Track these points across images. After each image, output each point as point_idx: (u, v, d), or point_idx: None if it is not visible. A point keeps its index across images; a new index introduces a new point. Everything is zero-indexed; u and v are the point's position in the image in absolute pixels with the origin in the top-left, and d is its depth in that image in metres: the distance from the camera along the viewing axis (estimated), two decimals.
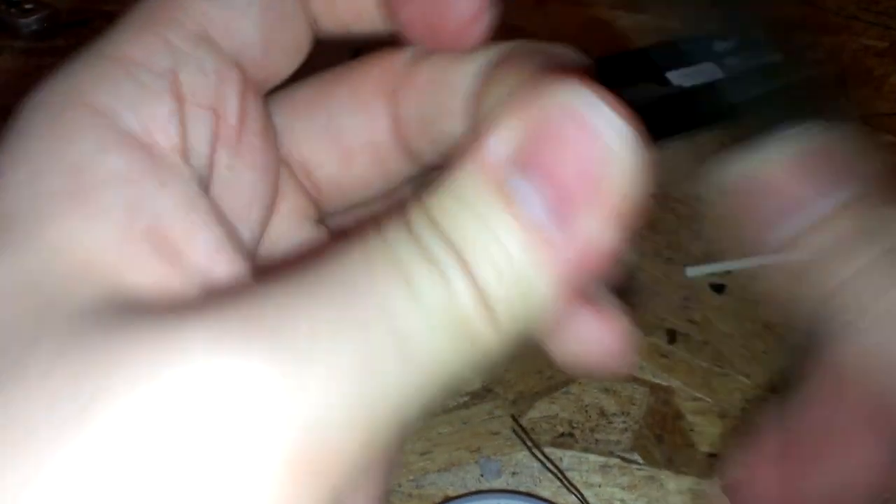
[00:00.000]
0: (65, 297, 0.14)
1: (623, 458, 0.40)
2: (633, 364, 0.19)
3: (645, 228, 0.49)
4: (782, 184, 0.20)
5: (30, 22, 0.61)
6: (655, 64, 0.54)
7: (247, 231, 0.19)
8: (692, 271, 0.47)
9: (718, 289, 0.46)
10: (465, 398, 0.42)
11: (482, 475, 0.40)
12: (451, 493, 0.39)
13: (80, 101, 0.16)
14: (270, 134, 0.20)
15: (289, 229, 0.20)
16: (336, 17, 0.20)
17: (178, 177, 0.16)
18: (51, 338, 0.13)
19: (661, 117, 0.52)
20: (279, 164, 0.20)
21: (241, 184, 0.19)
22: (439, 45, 0.19)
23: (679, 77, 0.53)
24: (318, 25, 0.20)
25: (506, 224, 0.15)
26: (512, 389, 0.43)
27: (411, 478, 0.40)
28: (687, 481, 0.39)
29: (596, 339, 0.18)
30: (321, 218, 0.21)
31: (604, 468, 0.40)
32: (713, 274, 0.47)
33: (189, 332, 0.13)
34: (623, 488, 0.39)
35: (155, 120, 0.16)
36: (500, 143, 0.15)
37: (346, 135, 0.21)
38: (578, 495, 0.39)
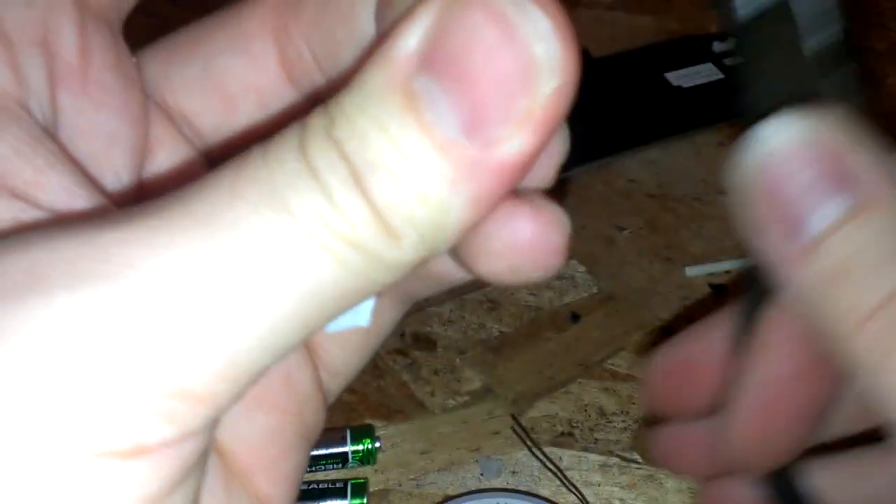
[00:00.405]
0: None
1: (622, 458, 0.40)
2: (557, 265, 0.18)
3: (644, 228, 0.49)
4: (789, 179, 0.17)
5: None
6: (655, 64, 0.54)
7: (110, 174, 0.17)
8: (691, 271, 0.47)
9: (718, 289, 0.47)
10: (466, 398, 0.42)
11: (482, 474, 0.40)
12: (451, 492, 0.39)
13: None
14: (127, 70, 0.18)
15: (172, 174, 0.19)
16: None
17: (15, 122, 0.15)
18: None
19: (660, 117, 0.52)
20: (145, 105, 0.18)
21: (93, 125, 0.17)
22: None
23: (678, 77, 0.53)
24: None
25: (408, 129, 0.13)
26: (512, 389, 0.43)
27: (411, 477, 0.40)
28: (686, 480, 0.40)
29: (530, 239, 0.16)
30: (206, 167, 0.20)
31: (603, 467, 0.40)
32: (713, 274, 0.47)
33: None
34: (622, 487, 0.39)
35: None
36: (409, 37, 0.14)
37: (228, 80, 0.19)
38: (578, 494, 0.39)
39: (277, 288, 0.13)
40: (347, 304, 0.14)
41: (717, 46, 0.54)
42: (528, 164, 0.14)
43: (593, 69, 0.53)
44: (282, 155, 0.14)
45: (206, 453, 0.15)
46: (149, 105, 0.19)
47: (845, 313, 0.16)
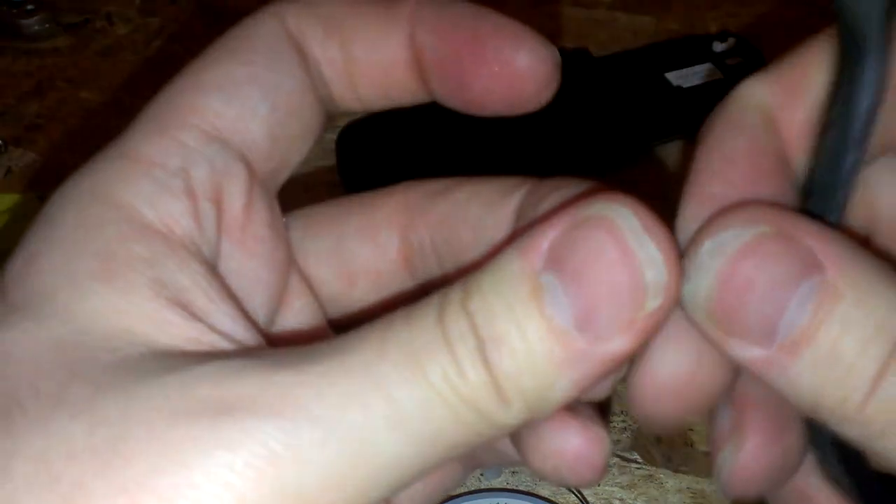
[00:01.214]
0: (106, 352, 0.16)
1: (622, 458, 0.40)
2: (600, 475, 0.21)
3: None
4: (746, 290, 0.16)
5: (31, 23, 0.61)
6: (655, 64, 0.54)
7: (252, 313, 0.20)
8: None
9: None
10: None
11: (482, 474, 0.40)
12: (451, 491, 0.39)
13: (103, 197, 0.18)
14: (278, 228, 0.21)
15: (299, 324, 0.22)
16: (359, 99, 0.21)
17: (193, 260, 0.18)
18: (87, 382, 0.16)
19: (659, 118, 0.52)
20: (289, 260, 0.22)
21: (244, 269, 0.20)
22: (512, 111, 0.20)
23: (678, 78, 0.53)
24: (335, 106, 0.21)
25: (531, 316, 0.16)
26: None
27: None
28: (686, 480, 0.39)
29: (575, 451, 0.19)
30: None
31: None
32: None
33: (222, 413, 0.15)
34: (622, 487, 0.39)
35: (170, 214, 0.18)
36: (542, 238, 0.16)
37: (353, 260, 0.22)
38: (578, 494, 0.39)
39: (408, 436, 0.16)
40: (457, 452, 0.16)
41: (718, 46, 0.54)
42: (625, 360, 0.16)
43: (593, 69, 0.53)
44: (422, 322, 0.16)
45: None
46: (291, 263, 0.22)
47: (843, 400, 0.16)
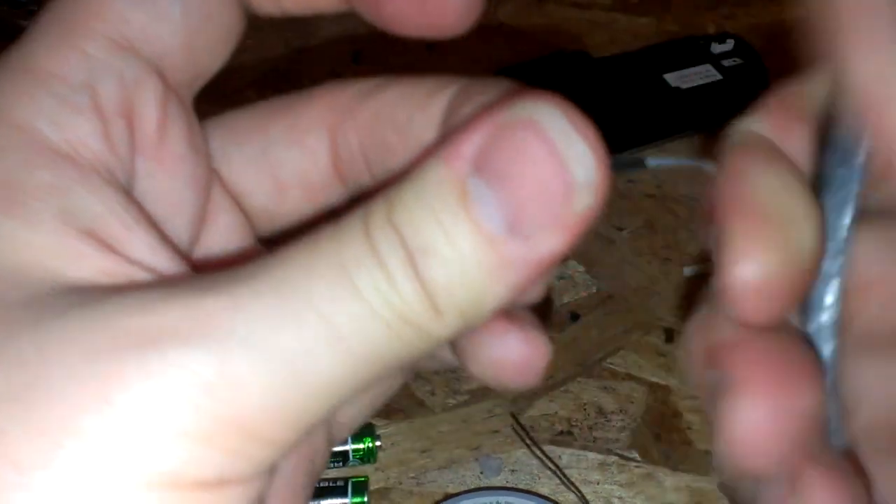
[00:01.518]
0: (13, 289, 0.15)
1: (621, 456, 0.40)
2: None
3: (643, 228, 0.50)
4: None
5: (31, 22, 0.61)
6: (653, 65, 0.54)
7: (174, 236, 0.19)
8: (690, 271, 0.47)
9: None
10: (466, 397, 0.42)
11: (482, 472, 0.40)
12: (451, 490, 0.39)
13: (2, 121, 0.17)
14: (198, 143, 0.20)
15: (226, 242, 0.21)
16: (277, 2, 0.20)
17: (105, 184, 0.17)
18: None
19: (658, 119, 0.52)
20: (210, 175, 0.20)
21: (163, 190, 0.19)
22: (428, 32, 0.19)
23: (677, 79, 0.53)
24: (253, 7, 0.20)
25: (459, 222, 0.15)
26: (511, 388, 0.43)
27: (412, 475, 0.40)
28: (685, 478, 0.40)
29: (516, 358, 0.19)
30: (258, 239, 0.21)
31: (602, 466, 0.40)
32: None
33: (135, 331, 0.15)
34: (621, 486, 0.40)
35: (77, 134, 0.17)
36: (467, 143, 0.16)
37: (281, 167, 0.21)
38: (577, 493, 0.39)
39: (342, 352, 0.15)
40: (393, 367, 0.16)
41: (716, 48, 0.54)
42: (557, 260, 0.16)
43: (592, 70, 0.53)
44: (349, 236, 0.16)
45: (264, 495, 0.17)
46: (213, 176, 0.20)
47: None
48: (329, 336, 0.15)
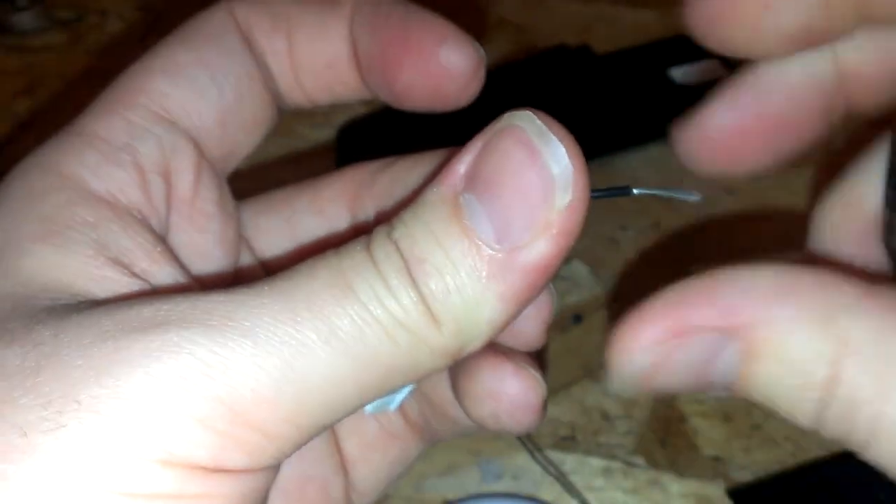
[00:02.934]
0: (45, 299, 0.17)
1: (626, 462, 0.40)
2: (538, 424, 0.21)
3: (648, 228, 0.49)
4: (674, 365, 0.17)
5: (23, 18, 0.61)
6: (658, 61, 0.53)
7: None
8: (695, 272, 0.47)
9: None
10: None
11: (483, 478, 0.39)
12: (450, 496, 0.39)
13: (50, 170, 0.19)
14: (228, 208, 0.22)
15: None
16: (305, 93, 0.22)
17: (136, 224, 0.19)
18: (24, 318, 0.16)
19: (663, 114, 0.52)
20: (238, 238, 0.23)
21: (194, 245, 0.21)
22: (437, 106, 0.21)
23: (682, 74, 0.52)
24: (283, 101, 0.22)
25: (451, 234, 0.16)
26: None
27: (411, 481, 0.40)
28: (690, 485, 0.39)
29: (510, 392, 0.20)
30: None
31: (606, 471, 0.40)
32: None
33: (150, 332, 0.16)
34: (625, 492, 0.39)
35: (116, 184, 0.19)
36: (458, 162, 0.17)
37: (304, 233, 0.23)
38: (581, 499, 0.39)
39: (339, 352, 0.16)
40: (397, 380, 0.17)
41: None
42: (548, 269, 0.17)
43: (596, 66, 0.53)
44: (350, 250, 0.17)
45: (266, 497, 0.17)
46: (241, 242, 0.23)
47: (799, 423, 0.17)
48: (326, 334, 0.16)
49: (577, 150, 0.17)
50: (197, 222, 0.21)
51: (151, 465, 0.15)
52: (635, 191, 0.20)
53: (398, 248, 0.16)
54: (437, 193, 0.17)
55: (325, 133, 0.52)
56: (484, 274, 0.16)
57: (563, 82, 0.52)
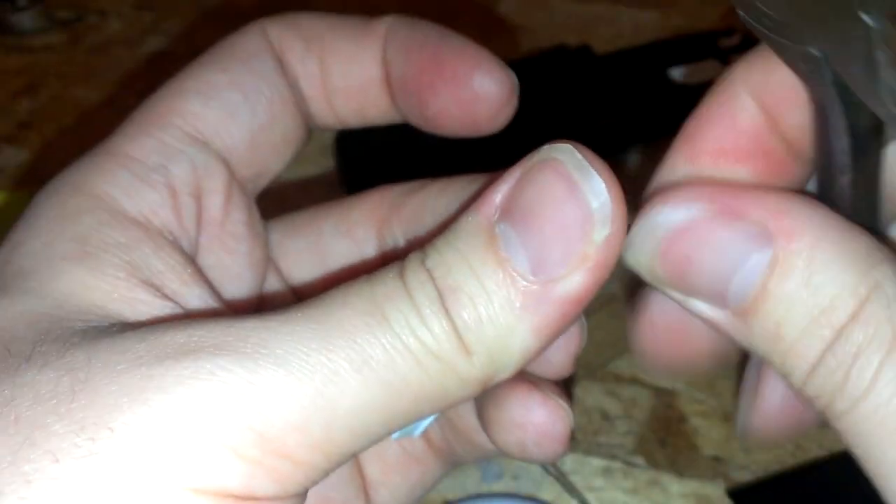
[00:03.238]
0: (78, 321, 0.17)
1: (626, 462, 0.40)
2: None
3: None
4: (701, 250, 0.18)
5: (23, 18, 0.61)
6: (659, 60, 0.53)
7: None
8: None
9: None
10: None
11: (483, 478, 0.39)
12: (450, 496, 0.39)
13: (83, 190, 0.19)
14: (257, 229, 0.22)
15: None
16: (336, 115, 0.22)
17: (168, 246, 0.19)
18: (57, 342, 0.16)
19: (664, 114, 0.52)
20: (267, 260, 0.23)
21: (223, 266, 0.21)
22: (469, 132, 0.21)
23: (682, 74, 0.52)
24: (314, 122, 0.22)
25: (486, 264, 0.16)
26: None
27: None
28: (690, 485, 0.39)
29: (537, 422, 0.20)
30: None
31: (606, 471, 0.40)
32: None
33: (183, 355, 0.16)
34: (626, 492, 0.39)
35: (148, 205, 0.19)
36: (495, 192, 0.17)
37: (331, 256, 0.23)
38: (581, 499, 0.39)
39: (370, 379, 0.16)
40: (425, 408, 0.17)
41: (723, 42, 0.53)
42: (583, 302, 0.17)
43: (596, 66, 0.53)
44: (383, 278, 0.17)
45: None
46: (269, 263, 0.23)
47: (787, 374, 0.17)
48: (359, 363, 0.16)
49: (615, 183, 0.17)
50: (227, 244, 0.21)
51: (183, 492, 0.15)
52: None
53: (432, 277, 0.16)
54: (472, 223, 0.17)
55: (324, 134, 0.52)
56: (518, 305, 0.16)
57: (563, 82, 0.51)
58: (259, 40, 0.22)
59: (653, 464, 0.40)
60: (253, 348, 0.16)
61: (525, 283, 0.16)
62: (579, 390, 0.42)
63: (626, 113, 0.51)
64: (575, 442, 0.41)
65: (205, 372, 0.15)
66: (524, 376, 0.20)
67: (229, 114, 0.21)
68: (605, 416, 0.42)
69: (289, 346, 0.16)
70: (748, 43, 0.53)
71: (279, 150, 0.22)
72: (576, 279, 0.16)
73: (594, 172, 0.16)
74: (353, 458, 0.23)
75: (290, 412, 0.15)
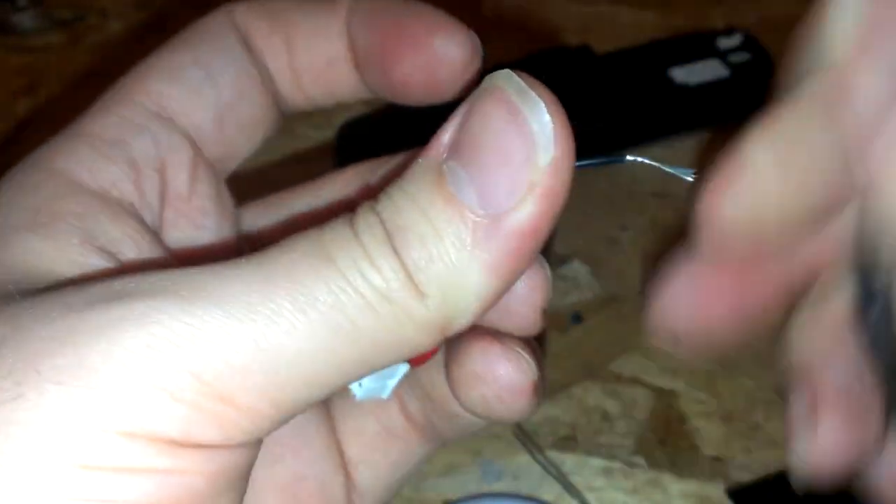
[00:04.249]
0: (27, 283, 0.17)
1: (626, 462, 0.40)
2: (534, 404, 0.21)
3: (648, 227, 0.49)
4: None
5: (23, 18, 0.61)
6: (658, 61, 0.53)
7: None
8: None
9: None
10: None
11: (483, 478, 0.39)
12: (451, 496, 0.39)
13: (42, 166, 0.19)
14: (226, 205, 0.22)
15: None
16: (305, 94, 0.22)
17: (127, 216, 0.19)
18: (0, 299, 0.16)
19: (663, 116, 0.52)
20: (236, 235, 0.22)
21: (189, 241, 0.21)
22: (434, 97, 0.21)
23: (682, 74, 0.52)
24: (284, 102, 0.22)
25: (434, 201, 0.16)
26: None
27: (410, 481, 0.39)
28: (691, 485, 0.39)
29: (500, 375, 0.19)
30: None
31: (606, 472, 0.40)
32: None
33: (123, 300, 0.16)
34: (626, 492, 0.39)
35: (108, 177, 0.19)
36: (442, 132, 0.17)
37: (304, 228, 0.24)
38: (581, 499, 0.39)
39: (318, 322, 0.15)
40: (381, 356, 0.16)
41: (723, 43, 0.53)
42: (535, 235, 0.16)
43: (595, 66, 0.53)
44: (332, 224, 0.16)
45: (245, 478, 0.17)
46: (241, 239, 0.22)
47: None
48: (302, 304, 0.15)
49: (558, 106, 0.16)
50: (193, 218, 0.21)
51: (115, 437, 0.14)
52: (629, 157, 0.20)
53: (381, 220, 0.16)
54: (421, 164, 0.16)
55: (325, 133, 0.52)
56: (468, 241, 0.16)
57: (563, 82, 0.51)
58: (224, 21, 0.22)
59: (653, 464, 0.40)
60: (190, 291, 0.15)
61: (474, 217, 0.16)
62: (579, 390, 0.42)
63: (626, 113, 0.51)
64: (575, 442, 0.41)
65: (138, 314, 0.15)
66: (487, 330, 0.20)
67: (194, 91, 0.21)
68: (605, 417, 0.42)
69: (228, 288, 0.15)
70: (748, 43, 0.53)
71: (248, 131, 0.22)
72: (525, 210, 0.16)
73: (533, 94, 0.16)
74: (325, 430, 0.22)
75: (230, 354, 0.15)
